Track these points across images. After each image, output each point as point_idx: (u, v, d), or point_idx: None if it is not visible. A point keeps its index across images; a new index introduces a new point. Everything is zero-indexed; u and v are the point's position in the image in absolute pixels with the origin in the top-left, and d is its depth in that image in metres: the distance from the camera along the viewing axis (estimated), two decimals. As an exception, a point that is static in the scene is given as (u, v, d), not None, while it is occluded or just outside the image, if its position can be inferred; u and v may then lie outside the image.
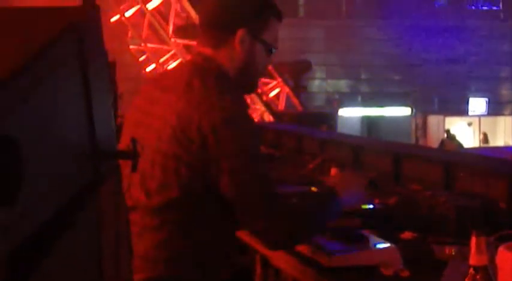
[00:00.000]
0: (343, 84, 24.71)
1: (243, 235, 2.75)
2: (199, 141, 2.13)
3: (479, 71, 24.30)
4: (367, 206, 2.98)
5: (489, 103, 24.56)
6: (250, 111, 2.34)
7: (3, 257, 1.03)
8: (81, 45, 1.24)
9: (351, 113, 23.51)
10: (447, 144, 19.73)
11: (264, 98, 16.93)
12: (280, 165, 4.79)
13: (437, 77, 23.61)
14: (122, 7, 16.10)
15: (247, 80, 2.39)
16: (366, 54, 23.71)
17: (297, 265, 2.48)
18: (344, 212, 2.50)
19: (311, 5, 24.50)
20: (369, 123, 23.30)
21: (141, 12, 16.17)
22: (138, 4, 16.08)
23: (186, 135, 2.14)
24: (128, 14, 16.16)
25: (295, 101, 17.51)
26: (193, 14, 15.44)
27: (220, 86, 2.24)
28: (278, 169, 4.54)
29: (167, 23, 16.17)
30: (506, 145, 22.27)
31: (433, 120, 23.11)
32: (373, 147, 4.80)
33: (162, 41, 16.46)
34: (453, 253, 2.35)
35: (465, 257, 2.08)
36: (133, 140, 1.37)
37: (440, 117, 22.63)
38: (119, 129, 2.23)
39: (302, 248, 2.47)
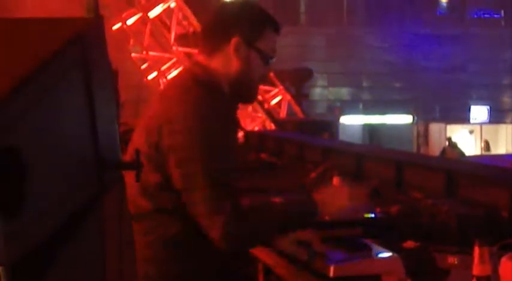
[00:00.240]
0: (344, 92, 24.71)
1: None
2: (156, 134, 2.19)
3: (480, 78, 24.30)
4: (369, 215, 2.98)
5: (491, 111, 24.55)
6: (227, 115, 2.34)
7: (9, 267, 1.03)
8: (85, 56, 1.25)
9: (352, 121, 23.51)
10: (449, 152, 19.71)
11: (266, 106, 16.93)
12: (282, 173, 4.78)
13: (438, 84, 23.60)
14: (123, 15, 16.12)
15: (244, 89, 2.40)
16: (367, 62, 23.72)
17: (299, 274, 2.48)
18: (346, 222, 2.50)
19: (312, 12, 24.54)
20: (371, 131, 23.29)
21: (143, 21, 16.19)
22: (140, 12, 16.11)
23: (148, 132, 2.23)
24: (129, 22, 16.18)
25: (296, 108, 17.51)
26: (194, 22, 15.47)
27: (196, 87, 2.28)
28: (280, 177, 4.54)
29: (169, 31, 16.19)
30: (508, 152, 22.23)
31: (434, 128, 23.11)
32: (375, 155, 4.80)
33: (163, 49, 16.48)
34: (455, 262, 2.35)
35: (467, 266, 2.08)
36: (137, 151, 1.38)
37: (442, 125, 22.63)
38: (121, 138, 2.25)
39: (304, 257, 2.47)
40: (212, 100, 2.27)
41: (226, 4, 2.50)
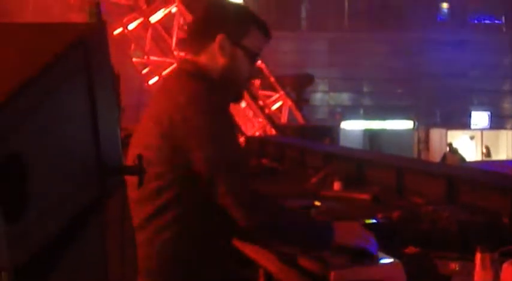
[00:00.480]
0: (345, 98, 24.74)
1: (247, 250, 2.75)
2: (169, 123, 2.20)
3: (481, 84, 24.33)
4: (370, 221, 2.97)
5: (491, 117, 24.57)
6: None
7: (11, 272, 1.03)
8: (87, 60, 1.25)
9: (353, 126, 23.53)
10: (449, 157, 19.72)
11: (267, 111, 16.94)
12: (283, 179, 4.78)
13: (439, 90, 23.63)
14: (125, 20, 16.15)
15: (232, 87, 2.42)
16: (368, 68, 23.75)
17: (301, 279, 2.47)
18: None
19: (313, 18, 24.58)
20: (371, 136, 23.32)
21: (144, 25, 16.22)
22: (141, 17, 16.13)
23: (158, 122, 2.23)
24: (131, 27, 16.21)
25: (297, 114, 17.52)
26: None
27: (190, 80, 2.31)
28: (281, 182, 4.54)
29: (170, 36, 16.22)
30: (509, 158, 22.25)
31: (435, 133, 23.12)
32: (376, 161, 4.80)
33: (165, 54, 16.50)
34: (457, 269, 2.35)
35: (469, 272, 2.08)
36: (139, 156, 1.38)
37: (443, 130, 22.65)
38: (122, 143, 2.26)
39: (306, 263, 2.47)
40: (210, 90, 2.30)
41: (212, 3, 2.52)
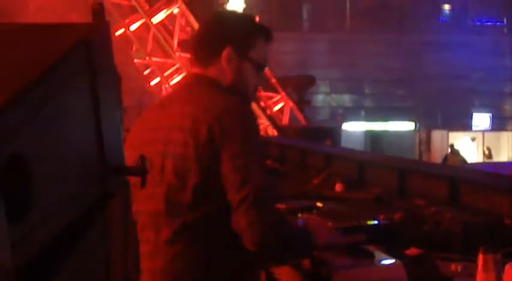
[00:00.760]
0: (346, 99, 24.74)
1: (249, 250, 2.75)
2: (206, 132, 2.16)
3: (483, 86, 24.33)
4: (372, 222, 2.98)
5: (493, 118, 24.57)
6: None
7: (13, 274, 1.03)
8: (90, 61, 1.25)
9: (354, 128, 23.53)
10: (450, 159, 19.71)
11: (268, 112, 16.96)
12: (285, 180, 4.79)
13: (441, 92, 23.62)
14: (126, 21, 16.17)
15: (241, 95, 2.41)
16: (370, 69, 23.76)
17: (303, 280, 2.47)
18: (349, 228, 2.50)
19: (314, 19, 24.59)
20: (373, 137, 23.32)
21: (146, 26, 16.23)
22: (143, 18, 16.15)
23: (193, 131, 2.18)
24: (132, 27, 16.23)
25: (299, 115, 17.54)
26: (198, 28, 15.52)
27: (217, 89, 2.31)
28: (283, 183, 4.54)
29: (172, 37, 16.23)
30: (510, 160, 22.25)
31: (436, 135, 23.12)
32: (378, 162, 4.80)
33: (166, 55, 16.52)
34: (459, 270, 2.35)
35: (471, 273, 2.08)
36: (142, 157, 1.38)
37: (444, 132, 22.64)
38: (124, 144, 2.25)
39: (308, 264, 2.47)
40: (242, 100, 2.30)
41: (217, 16, 2.52)
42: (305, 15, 25.14)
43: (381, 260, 2.43)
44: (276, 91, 17.29)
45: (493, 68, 24.11)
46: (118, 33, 16.00)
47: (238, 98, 2.30)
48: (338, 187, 4.12)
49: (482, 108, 24.75)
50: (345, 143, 19.50)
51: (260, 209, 2.16)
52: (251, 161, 2.17)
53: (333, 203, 3.50)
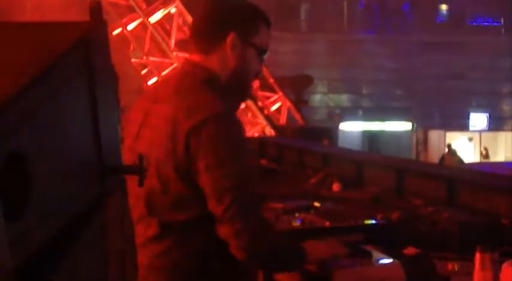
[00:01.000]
0: (344, 99, 24.75)
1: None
2: (184, 142, 2.14)
3: (480, 86, 24.35)
4: (369, 222, 2.98)
5: (490, 118, 24.60)
6: (239, 116, 2.34)
7: (11, 272, 1.03)
8: (88, 60, 1.25)
9: (352, 128, 23.52)
10: (447, 159, 19.72)
11: (266, 112, 16.96)
12: (282, 179, 4.78)
13: (438, 92, 23.64)
14: (124, 20, 16.15)
15: (241, 85, 2.38)
16: (367, 69, 23.77)
17: (301, 280, 2.47)
18: (347, 228, 2.50)
19: (313, 19, 24.59)
20: (370, 137, 23.31)
21: (144, 26, 16.22)
22: (140, 18, 16.14)
23: (173, 138, 2.16)
24: (130, 27, 16.22)
25: (296, 115, 17.54)
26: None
27: (207, 88, 2.25)
28: (280, 183, 4.54)
29: (169, 37, 16.22)
30: (507, 160, 22.29)
31: (434, 135, 23.14)
32: (376, 162, 4.80)
33: (164, 55, 16.51)
34: (456, 269, 2.35)
35: (468, 273, 2.08)
36: (140, 156, 1.37)
37: (441, 132, 22.66)
38: (121, 143, 2.25)
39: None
40: (228, 103, 2.25)
41: (217, 2, 2.45)
42: (303, 15, 25.15)
43: (379, 259, 2.43)
44: (273, 91, 17.29)
45: (490, 68, 24.14)
46: (115, 32, 15.98)
47: (224, 105, 2.23)
48: (335, 187, 4.12)
49: (480, 108, 24.77)
50: (342, 143, 19.51)
51: (244, 217, 2.13)
52: (230, 170, 2.13)
53: (330, 203, 3.50)
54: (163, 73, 16.37)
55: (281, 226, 2.93)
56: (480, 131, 23.62)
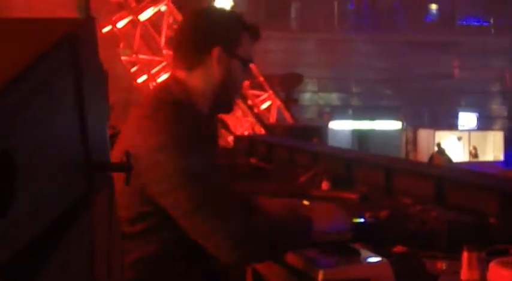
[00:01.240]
0: (334, 98, 24.77)
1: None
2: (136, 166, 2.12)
3: (469, 85, 24.42)
4: (358, 220, 2.97)
5: (479, 118, 24.69)
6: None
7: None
8: (76, 56, 1.24)
9: (341, 126, 23.57)
10: (436, 158, 19.79)
11: (256, 110, 16.96)
12: (271, 178, 4.78)
13: (427, 91, 23.70)
14: (114, 18, 16.12)
15: (226, 98, 2.36)
16: (357, 68, 23.80)
17: (288, 279, 2.47)
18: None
19: (303, 18, 24.60)
20: (360, 136, 23.36)
21: (133, 24, 16.19)
22: (130, 15, 16.10)
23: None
24: (119, 25, 16.18)
25: (286, 113, 17.56)
26: (180, 26, 15.48)
27: (167, 112, 2.20)
28: (270, 182, 4.53)
29: (159, 35, 16.20)
30: (496, 159, 22.39)
31: (423, 134, 23.20)
32: (365, 161, 4.80)
33: (153, 53, 16.48)
34: (444, 268, 2.35)
35: (456, 271, 2.09)
36: (127, 153, 1.37)
37: (431, 131, 22.72)
38: (110, 141, 2.24)
39: (293, 262, 2.47)
40: (183, 119, 2.19)
41: (201, 14, 2.44)
42: (293, 13, 25.15)
43: (367, 258, 2.43)
44: (263, 89, 17.29)
45: (479, 67, 24.21)
46: (105, 30, 15.95)
47: (188, 120, 2.19)
48: (324, 185, 4.12)
49: (469, 107, 24.85)
50: (332, 141, 19.55)
51: (218, 213, 2.09)
52: (185, 195, 2.09)
53: (319, 201, 3.50)
54: (153, 71, 16.35)
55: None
56: (469, 131, 23.71)
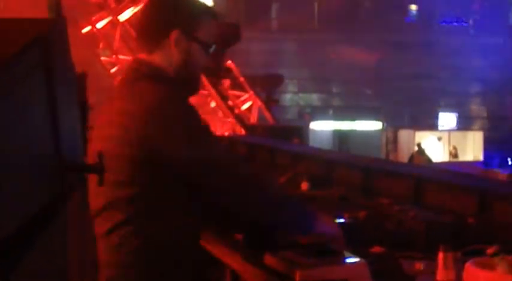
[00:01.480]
0: (314, 98, 24.80)
1: (213, 249, 2.74)
2: (140, 128, 2.15)
3: (449, 86, 24.55)
4: (336, 221, 2.97)
5: (459, 118, 24.82)
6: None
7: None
8: (46, 56, 1.23)
9: (322, 127, 23.60)
10: (416, 158, 19.87)
11: (236, 111, 16.94)
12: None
13: (408, 91, 23.79)
14: (93, 18, 16.04)
15: (188, 80, 2.40)
16: (338, 69, 23.84)
17: (267, 279, 2.47)
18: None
19: (283, 18, 24.61)
20: (340, 136, 23.41)
21: (113, 24, 16.12)
22: (109, 16, 16.03)
23: (128, 128, 2.17)
24: (99, 25, 16.10)
25: (267, 114, 17.55)
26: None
27: (150, 80, 2.27)
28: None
29: (139, 35, 16.11)
30: (475, 159, 22.51)
31: (403, 134, 23.27)
32: (345, 161, 4.81)
33: (133, 53, 16.39)
34: (422, 268, 2.36)
35: (433, 271, 2.09)
36: (100, 154, 1.36)
37: (411, 131, 22.80)
38: (88, 142, 2.23)
39: (271, 263, 2.46)
40: (175, 91, 2.28)
41: (158, 0, 2.46)
42: (274, 14, 25.16)
43: (345, 258, 2.43)
44: (244, 90, 17.29)
45: (459, 68, 24.34)
46: (85, 30, 15.88)
47: (172, 90, 2.27)
48: (304, 186, 4.12)
49: (449, 108, 24.98)
50: (312, 142, 19.57)
51: (230, 175, 2.23)
52: (206, 149, 2.20)
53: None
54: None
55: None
56: (449, 131, 23.82)
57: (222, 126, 16.09)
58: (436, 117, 24.67)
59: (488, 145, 23.28)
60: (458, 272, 1.79)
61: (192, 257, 2.31)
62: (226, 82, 16.50)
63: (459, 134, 23.75)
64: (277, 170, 4.87)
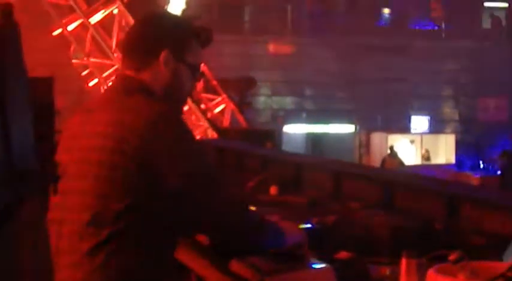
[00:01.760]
0: (288, 101, 24.83)
1: (178, 254, 2.71)
2: (137, 140, 2.12)
3: (421, 89, 24.70)
4: (304, 226, 2.96)
5: (431, 121, 24.99)
6: (187, 122, 2.35)
7: None
8: (-2, 62, 1.19)
9: (295, 130, 23.65)
10: (388, 161, 19.98)
11: (209, 114, 16.91)
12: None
13: (380, 94, 23.90)
14: (64, 21, 15.91)
15: (176, 100, 2.38)
16: (311, 72, 23.90)
17: (232, 286, 2.44)
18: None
19: (256, 21, 24.63)
20: (314, 140, 23.48)
21: (84, 27, 16.01)
22: (81, 18, 15.91)
23: (120, 138, 2.13)
24: (70, 27, 15.98)
25: (240, 117, 17.53)
26: (131, 29, 15.36)
27: (148, 96, 2.26)
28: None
29: (110, 38, 16.04)
30: (448, 162, 22.69)
31: (376, 137, 23.39)
32: (315, 165, 4.81)
33: (105, 56, 16.31)
34: (388, 273, 2.35)
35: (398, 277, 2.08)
36: (54, 163, 1.32)
37: (384, 134, 22.91)
38: (56, 146, 2.19)
39: (237, 269, 2.44)
40: (172, 108, 2.27)
41: (152, 17, 2.47)
42: (246, 17, 25.16)
43: (311, 264, 2.41)
44: (217, 93, 17.25)
45: (431, 71, 24.50)
46: (56, 33, 15.76)
47: (168, 105, 2.26)
48: (273, 190, 4.10)
49: (421, 111, 25.13)
50: (286, 145, 19.58)
51: (220, 192, 2.24)
52: (198, 164, 2.21)
53: (266, 207, 3.48)
54: (105, 74, 16.17)
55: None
56: (421, 134, 23.97)
57: (195, 130, 16.04)
58: (409, 121, 24.81)
59: (461, 147, 23.47)
60: (421, 278, 1.78)
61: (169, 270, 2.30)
62: (199, 85, 16.46)
63: (431, 137, 23.92)
64: (246, 174, 4.85)
